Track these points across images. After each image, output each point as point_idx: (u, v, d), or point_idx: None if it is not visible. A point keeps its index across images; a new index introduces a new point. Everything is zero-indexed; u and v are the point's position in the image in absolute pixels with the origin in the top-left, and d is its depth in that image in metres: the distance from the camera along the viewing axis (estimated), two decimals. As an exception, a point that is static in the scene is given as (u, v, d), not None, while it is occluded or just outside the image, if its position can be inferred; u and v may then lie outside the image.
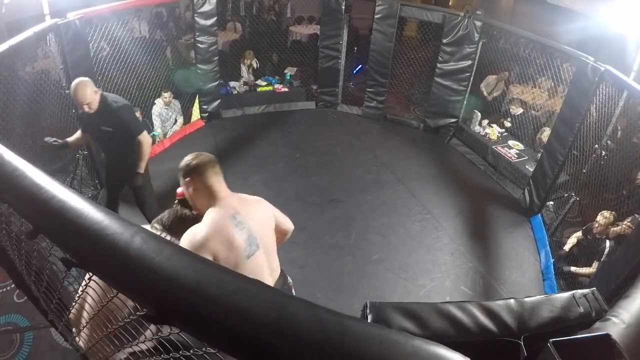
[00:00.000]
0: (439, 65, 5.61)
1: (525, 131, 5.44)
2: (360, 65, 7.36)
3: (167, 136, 5.35)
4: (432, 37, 5.93)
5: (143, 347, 1.04)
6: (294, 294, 2.15)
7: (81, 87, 2.86)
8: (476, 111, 5.68)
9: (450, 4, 10.66)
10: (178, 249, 0.74)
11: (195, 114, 5.87)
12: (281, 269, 2.07)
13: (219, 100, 5.98)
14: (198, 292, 0.66)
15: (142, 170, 3.23)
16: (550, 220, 4.34)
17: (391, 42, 5.81)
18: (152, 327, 0.90)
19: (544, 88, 5.67)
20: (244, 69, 6.58)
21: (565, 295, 0.94)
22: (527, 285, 3.72)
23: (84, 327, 1.30)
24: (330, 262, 3.75)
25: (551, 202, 4.51)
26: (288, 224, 2.10)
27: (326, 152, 5.49)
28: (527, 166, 4.91)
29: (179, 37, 6.54)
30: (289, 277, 2.18)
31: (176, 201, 2.66)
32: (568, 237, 4.02)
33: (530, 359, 0.81)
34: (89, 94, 2.88)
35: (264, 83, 6.62)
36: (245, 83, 6.50)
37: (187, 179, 1.85)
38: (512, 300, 0.92)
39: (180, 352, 0.89)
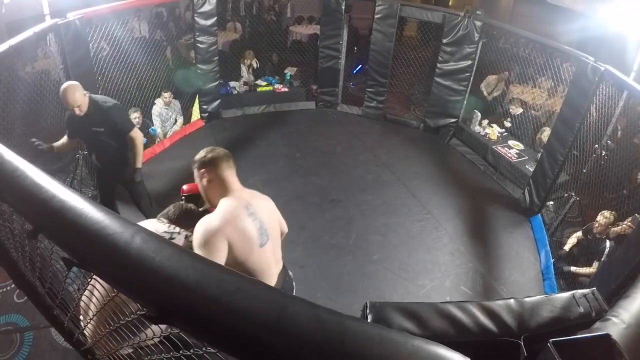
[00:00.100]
0: (439, 65, 5.61)
1: (525, 131, 5.44)
2: (360, 65, 7.36)
3: (167, 136, 5.35)
4: (432, 37, 5.93)
5: (149, 342, 1.05)
6: (295, 287, 2.22)
7: (71, 90, 2.87)
8: (476, 111, 5.68)
9: (450, 4, 10.66)
10: (178, 249, 0.74)
11: (195, 114, 5.87)
12: (284, 264, 2.14)
13: (219, 100, 5.98)
14: (198, 292, 0.66)
15: (140, 165, 3.33)
16: (550, 220, 4.34)
17: (391, 42, 5.81)
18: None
19: (544, 88, 5.67)
20: (244, 69, 6.58)
21: (565, 295, 0.94)
22: (527, 285, 3.72)
23: (90, 319, 1.30)
24: (330, 262, 3.75)
25: (551, 202, 4.51)
26: (285, 226, 2.18)
27: (326, 152, 5.49)
28: (527, 166, 4.91)
29: (179, 37, 6.54)
30: (289, 271, 2.23)
31: (183, 197, 2.73)
32: (568, 237, 4.02)
33: (530, 359, 0.81)
34: (79, 96, 2.89)
35: (264, 83, 6.62)
36: (245, 83, 6.50)
37: (202, 170, 1.88)
38: (512, 300, 0.92)
39: (181, 352, 0.89)
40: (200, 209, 2.19)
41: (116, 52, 4.48)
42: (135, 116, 4.76)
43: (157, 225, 1.95)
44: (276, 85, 6.62)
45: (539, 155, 4.63)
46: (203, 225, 1.69)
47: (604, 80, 3.73)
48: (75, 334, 1.48)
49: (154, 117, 5.22)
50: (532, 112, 5.63)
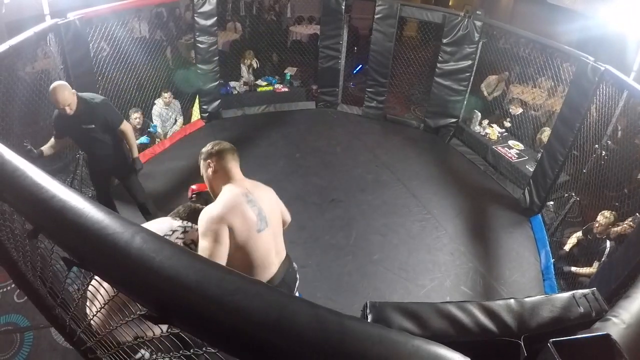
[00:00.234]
0: (439, 65, 5.61)
1: (526, 131, 5.44)
2: (360, 65, 7.36)
3: (167, 136, 5.35)
4: (432, 37, 5.93)
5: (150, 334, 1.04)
6: (298, 279, 2.26)
7: (60, 90, 2.88)
8: (476, 111, 5.68)
9: (450, 4, 10.67)
10: (178, 249, 0.74)
11: (196, 114, 5.88)
12: (287, 254, 2.18)
13: (219, 100, 5.98)
14: (198, 292, 0.66)
15: (137, 153, 3.42)
16: (550, 220, 4.34)
17: (391, 42, 5.81)
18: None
19: (544, 88, 5.67)
20: (244, 69, 6.58)
21: (566, 295, 0.94)
22: (527, 285, 3.72)
23: (98, 311, 1.30)
24: (330, 262, 3.75)
25: (551, 202, 4.51)
26: (287, 215, 2.26)
27: (326, 152, 5.49)
28: (527, 166, 4.91)
29: (179, 37, 6.55)
30: (294, 263, 2.25)
31: (193, 195, 2.82)
32: (568, 237, 4.02)
33: (530, 359, 0.81)
34: (68, 95, 2.90)
35: (264, 83, 6.62)
36: (245, 83, 6.50)
37: (208, 161, 2.00)
38: (512, 300, 0.92)
39: (181, 352, 0.89)
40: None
41: (116, 52, 4.48)
42: (136, 116, 4.77)
43: (172, 222, 2.11)
44: (276, 85, 6.62)
45: (539, 155, 4.63)
46: (205, 215, 1.80)
47: (604, 80, 3.73)
48: (76, 333, 1.48)
49: (154, 117, 5.22)
50: (532, 112, 5.63)
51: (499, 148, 5.29)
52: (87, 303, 1.44)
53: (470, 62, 5.43)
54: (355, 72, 7.44)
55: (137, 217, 3.61)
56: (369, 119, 6.43)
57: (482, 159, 5.46)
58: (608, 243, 3.49)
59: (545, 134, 4.87)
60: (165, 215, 2.27)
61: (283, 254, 2.12)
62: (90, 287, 1.24)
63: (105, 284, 1.14)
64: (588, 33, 6.20)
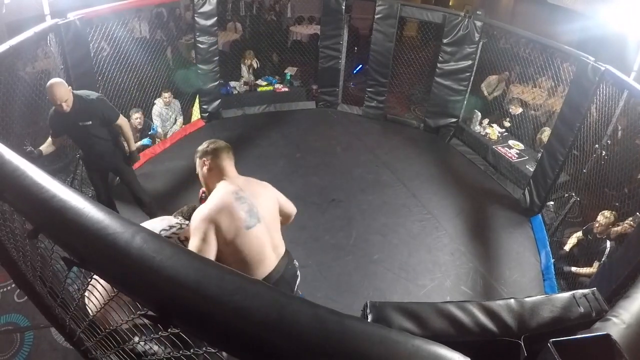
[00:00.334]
0: (439, 65, 5.61)
1: (526, 131, 5.43)
2: (360, 65, 7.36)
3: (167, 136, 5.35)
4: (433, 37, 5.93)
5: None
6: (299, 276, 2.27)
7: (57, 86, 2.91)
8: (476, 111, 5.68)
9: (450, 4, 10.66)
10: (178, 249, 0.74)
11: (196, 114, 5.88)
12: (288, 250, 2.18)
13: (219, 100, 5.98)
14: (198, 292, 0.66)
15: (134, 147, 3.50)
16: (550, 221, 4.34)
17: (391, 42, 5.81)
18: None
19: (544, 88, 5.67)
20: (244, 69, 6.58)
21: (566, 295, 0.94)
22: (527, 285, 3.72)
23: (98, 310, 1.30)
24: (330, 262, 3.75)
25: (551, 202, 4.50)
26: (290, 207, 2.28)
27: (326, 152, 5.49)
28: (527, 166, 4.91)
29: (179, 37, 6.55)
30: (295, 260, 2.25)
31: (202, 196, 2.86)
32: (568, 237, 4.02)
33: (531, 359, 0.81)
34: (65, 91, 2.93)
35: (264, 83, 6.62)
36: (245, 83, 6.50)
37: (204, 159, 2.04)
38: (512, 300, 0.92)
39: (181, 352, 0.89)
40: None
41: (117, 53, 4.48)
42: (137, 117, 4.77)
43: (171, 219, 2.16)
44: (276, 85, 6.62)
45: (539, 155, 4.63)
46: (195, 214, 1.88)
47: (604, 80, 3.73)
48: (76, 333, 1.48)
49: (154, 117, 5.22)
50: (532, 112, 5.62)
51: (499, 148, 5.29)
52: (86, 293, 1.44)
53: (470, 62, 5.43)
54: (355, 72, 7.44)
55: (137, 217, 3.62)
56: (369, 119, 6.43)
57: (482, 159, 5.46)
58: (608, 243, 3.49)
59: (546, 134, 4.87)
60: (167, 215, 2.30)
61: (281, 249, 2.12)
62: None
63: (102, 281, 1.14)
64: (588, 33, 6.20)
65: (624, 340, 0.73)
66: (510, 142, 5.42)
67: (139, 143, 4.82)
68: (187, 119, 5.72)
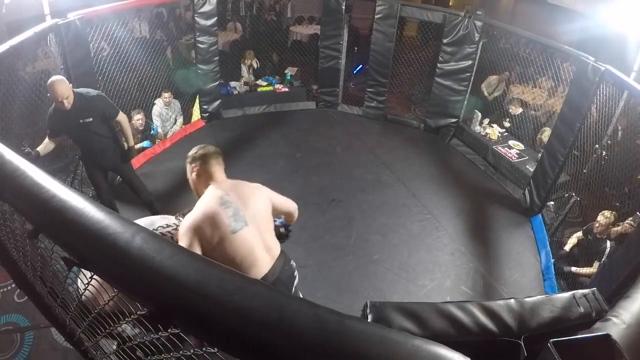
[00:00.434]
0: (439, 65, 5.61)
1: (526, 131, 5.43)
2: (360, 65, 7.36)
3: (167, 136, 5.35)
4: (433, 37, 5.92)
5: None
6: (297, 277, 2.24)
7: (59, 83, 2.93)
8: (477, 111, 5.68)
9: (450, 4, 10.66)
10: (179, 249, 0.74)
11: (196, 114, 5.88)
12: (284, 251, 2.17)
13: (219, 101, 5.98)
14: (198, 292, 0.66)
15: (132, 142, 3.55)
16: (550, 221, 4.34)
17: (391, 42, 5.81)
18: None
19: (544, 88, 5.67)
20: (244, 69, 6.58)
21: (566, 295, 0.94)
22: (527, 285, 3.72)
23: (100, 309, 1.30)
24: (331, 262, 3.75)
25: (552, 202, 4.50)
26: (288, 205, 2.26)
27: (326, 152, 5.49)
28: (527, 166, 4.91)
29: (179, 37, 6.55)
30: (292, 261, 2.23)
31: None
32: (568, 237, 4.02)
33: (531, 359, 0.81)
34: (66, 89, 2.95)
35: (265, 83, 6.62)
36: (245, 83, 6.50)
37: (192, 165, 2.07)
38: (512, 300, 0.92)
39: (181, 352, 0.89)
40: None
41: (117, 52, 4.48)
42: (138, 118, 4.78)
43: (171, 219, 2.22)
44: (277, 86, 6.62)
45: (540, 155, 4.62)
46: (183, 222, 1.92)
47: (605, 80, 3.73)
48: (76, 333, 1.48)
49: (154, 117, 5.22)
50: (532, 112, 5.62)
51: (500, 148, 5.29)
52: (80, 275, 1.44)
53: (470, 62, 5.43)
54: (355, 72, 7.43)
55: (137, 217, 3.61)
56: (369, 119, 6.43)
57: (482, 159, 5.45)
58: (608, 243, 3.49)
59: (546, 134, 4.87)
60: (169, 215, 2.37)
61: (276, 250, 2.11)
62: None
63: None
64: (588, 33, 6.20)
65: (624, 341, 0.73)
66: (511, 142, 5.42)
67: (139, 145, 4.83)
68: (187, 119, 5.72)
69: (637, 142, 4.38)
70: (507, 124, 5.69)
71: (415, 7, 5.75)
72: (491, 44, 5.32)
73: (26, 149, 3.06)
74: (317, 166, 5.16)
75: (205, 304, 0.65)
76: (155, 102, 5.22)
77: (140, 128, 4.86)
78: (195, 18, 5.24)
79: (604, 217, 3.56)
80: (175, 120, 5.47)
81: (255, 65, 6.63)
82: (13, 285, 3.13)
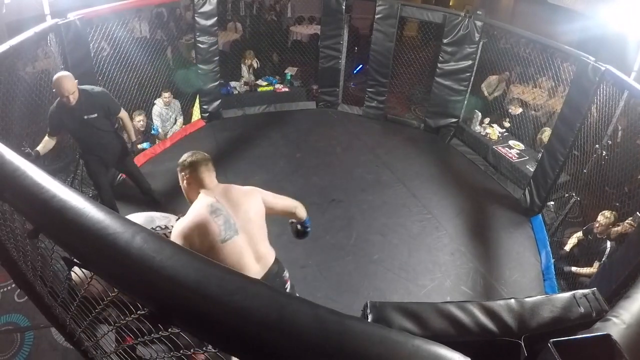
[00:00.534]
0: (439, 65, 5.61)
1: (526, 131, 5.43)
2: (360, 65, 7.36)
3: (168, 136, 5.35)
4: (433, 37, 5.92)
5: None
6: (290, 287, 2.21)
7: (65, 79, 2.98)
8: (477, 111, 5.68)
9: (450, 4, 10.66)
10: (179, 249, 0.74)
11: (196, 113, 5.88)
12: (279, 261, 2.14)
13: (219, 100, 5.98)
14: (199, 292, 0.66)
15: (134, 138, 3.71)
16: (550, 221, 4.34)
17: (392, 42, 5.81)
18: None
19: (545, 88, 5.67)
20: (244, 69, 6.58)
21: (566, 295, 0.94)
22: (527, 286, 3.72)
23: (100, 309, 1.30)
24: (331, 262, 3.75)
25: (552, 202, 4.50)
26: (286, 203, 2.24)
27: (326, 152, 5.49)
28: (527, 166, 4.91)
29: (179, 37, 6.55)
30: (286, 271, 2.21)
31: None
32: (569, 237, 4.02)
33: (531, 359, 0.81)
34: (72, 84, 3.01)
35: (265, 83, 6.62)
36: (245, 83, 6.50)
37: (183, 173, 2.09)
38: (512, 300, 0.92)
39: (181, 352, 0.89)
40: None
41: (117, 52, 4.49)
42: (140, 119, 4.78)
43: (171, 218, 2.24)
44: (277, 85, 6.62)
45: (540, 155, 4.62)
46: (174, 229, 1.93)
47: (605, 80, 3.73)
48: (76, 333, 1.48)
49: (154, 117, 5.22)
50: (532, 112, 5.62)
51: (500, 148, 5.29)
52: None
53: (470, 62, 5.43)
54: (355, 72, 7.43)
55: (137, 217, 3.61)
56: (369, 119, 6.43)
57: (482, 159, 5.45)
58: (608, 243, 3.49)
59: (546, 134, 4.87)
60: (171, 215, 2.40)
61: (268, 260, 2.07)
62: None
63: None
64: (588, 33, 6.19)
65: (624, 341, 0.73)
66: (511, 142, 5.42)
67: (140, 146, 4.84)
68: (187, 119, 5.72)
69: (637, 142, 4.38)
70: (507, 124, 5.69)
71: (416, 7, 5.75)
72: (491, 44, 5.32)
73: (26, 149, 3.07)
74: (317, 166, 5.16)
75: (205, 304, 0.65)
76: (155, 102, 5.22)
77: (142, 129, 4.86)
78: (196, 18, 5.24)
79: (604, 217, 3.55)
80: (175, 120, 5.47)
81: (255, 65, 6.63)
82: (13, 285, 3.13)
